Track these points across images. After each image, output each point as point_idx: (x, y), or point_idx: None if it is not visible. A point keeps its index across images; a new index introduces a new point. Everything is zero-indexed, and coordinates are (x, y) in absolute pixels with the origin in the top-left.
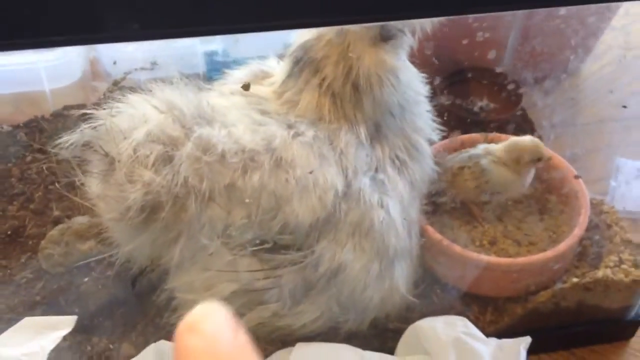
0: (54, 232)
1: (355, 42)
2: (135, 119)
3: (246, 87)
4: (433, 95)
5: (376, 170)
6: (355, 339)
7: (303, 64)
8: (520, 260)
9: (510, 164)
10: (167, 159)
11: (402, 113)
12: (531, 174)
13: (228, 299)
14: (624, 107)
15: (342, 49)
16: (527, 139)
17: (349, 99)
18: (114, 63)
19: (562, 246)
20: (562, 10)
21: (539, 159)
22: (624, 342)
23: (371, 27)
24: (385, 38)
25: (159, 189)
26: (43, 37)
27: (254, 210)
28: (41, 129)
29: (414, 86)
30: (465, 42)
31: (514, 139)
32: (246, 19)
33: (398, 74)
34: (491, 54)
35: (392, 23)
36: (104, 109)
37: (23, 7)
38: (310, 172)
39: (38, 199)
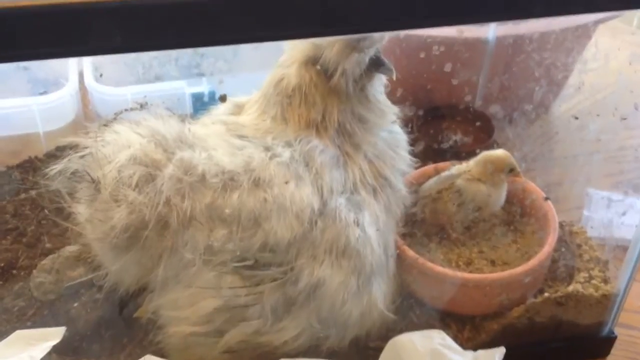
0: (45, 261)
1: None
2: (119, 145)
3: (223, 98)
4: (409, 131)
5: (351, 192)
6: (337, 357)
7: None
8: (491, 275)
9: (485, 178)
10: (149, 179)
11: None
12: (505, 188)
13: (211, 315)
14: (624, 118)
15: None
16: (499, 151)
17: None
18: (100, 75)
19: (531, 263)
20: (535, 48)
21: (512, 170)
22: None
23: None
24: (314, 61)
25: (143, 208)
26: (25, 49)
27: (234, 228)
28: (35, 168)
29: (371, 117)
30: (439, 80)
31: (485, 153)
32: (228, 30)
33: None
34: (464, 91)
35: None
36: (91, 138)
37: (6, 19)
38: (286, 183)
39: (30, 233)
